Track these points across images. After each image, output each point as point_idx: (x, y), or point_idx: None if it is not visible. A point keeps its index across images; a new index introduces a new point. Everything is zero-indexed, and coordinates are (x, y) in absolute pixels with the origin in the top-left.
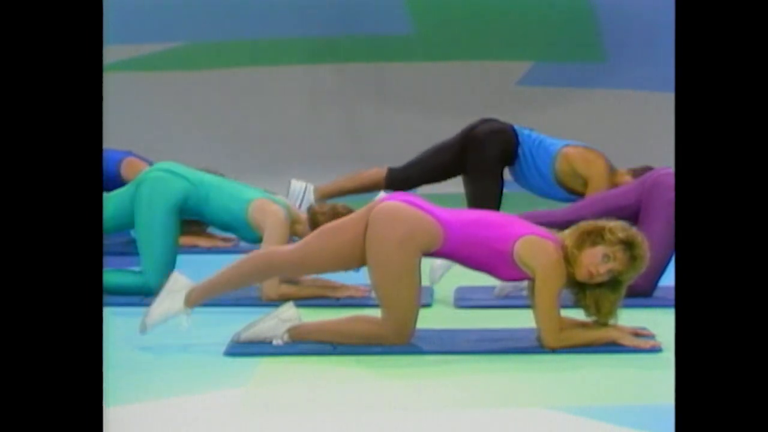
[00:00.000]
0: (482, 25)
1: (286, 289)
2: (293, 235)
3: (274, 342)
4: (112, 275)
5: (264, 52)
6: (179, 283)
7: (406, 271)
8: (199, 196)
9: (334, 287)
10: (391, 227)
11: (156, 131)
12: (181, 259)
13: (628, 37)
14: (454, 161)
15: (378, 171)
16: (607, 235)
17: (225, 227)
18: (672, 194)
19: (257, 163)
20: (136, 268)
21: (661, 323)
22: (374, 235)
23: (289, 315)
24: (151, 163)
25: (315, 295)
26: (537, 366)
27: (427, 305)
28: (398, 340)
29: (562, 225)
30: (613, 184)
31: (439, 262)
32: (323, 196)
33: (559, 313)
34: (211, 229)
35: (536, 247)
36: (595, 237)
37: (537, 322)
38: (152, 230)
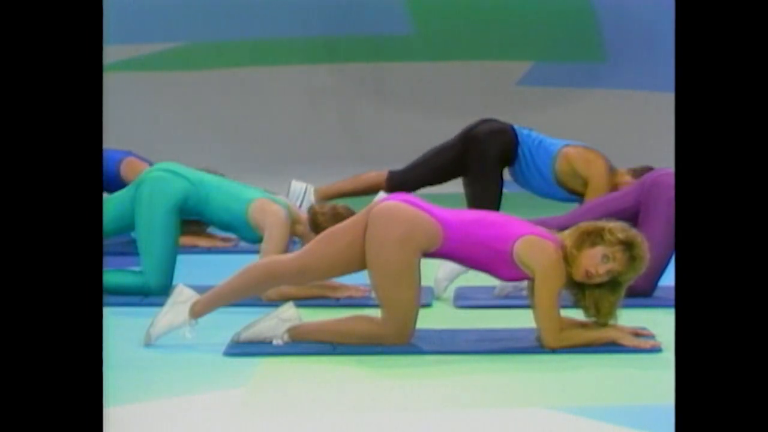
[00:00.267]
0: (482, 25)
1: (286, 289)
2: (294, 235)
3: (274, 342)
4: (112, 275)
5: (264, 52)
6: (183, 295)
7: (405, 270)
8: (199, 196)
9: (334, 287)
10: (391, 227)
11: (156, 131)
12: (181, 259)
13: (628, 37)
14: (454, 162)
15: (379, 174)
16: (607, 236)
17: (225, 227)
18: (672, 194)
19: (257, 163)
20: (136, 268)
21: (661, 323)
22: (374, 235)
23: (289, 315)
24: (151, 163)
25: (315, 295)
26: (537, 366)
27: (427, 305)
28: (398, 340)
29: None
30: (613, 184)
31: (442, 274)
32: (323, 198)
33: (558, 313)
34: (211, 229)
35: (536, 247)
36: (594, 237)
37: (537, 322)
38: (152, 230)
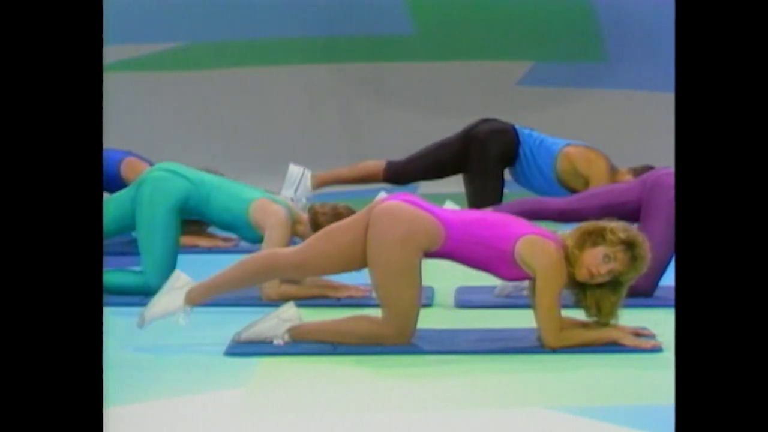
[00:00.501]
0: (482, 25)
1: (287, 289)
2: (294, 235)
3: (275, 342)
4: (112, 275)
5: (264, 52)
6: (180, 281)
7: (406, 270)
8: (200, 196)
9: (335, 287)
10: (392, 227)
11: (156, 131)
12: (182, 259)
13: (628, 37)
14: (453, 160)
15: (377, 163)
16: (608, 236)
17: (226, 227)
18: (672, 194)
19: (257, 163)
20: (136, 268)
21: (661, 323)
22: (375, 235)
23: (290, 315)
24: (151, 163)
25: (315, 295)
26: (537, 366)
27: (427, 305)
28: (399, 340)
29: (555, 214)
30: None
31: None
32: (319, 184)
33: (559, 313)
34: (211, 229)
35: (537, 246)
36: (596, 237)
37: (537, 321)
38: (153, 230)
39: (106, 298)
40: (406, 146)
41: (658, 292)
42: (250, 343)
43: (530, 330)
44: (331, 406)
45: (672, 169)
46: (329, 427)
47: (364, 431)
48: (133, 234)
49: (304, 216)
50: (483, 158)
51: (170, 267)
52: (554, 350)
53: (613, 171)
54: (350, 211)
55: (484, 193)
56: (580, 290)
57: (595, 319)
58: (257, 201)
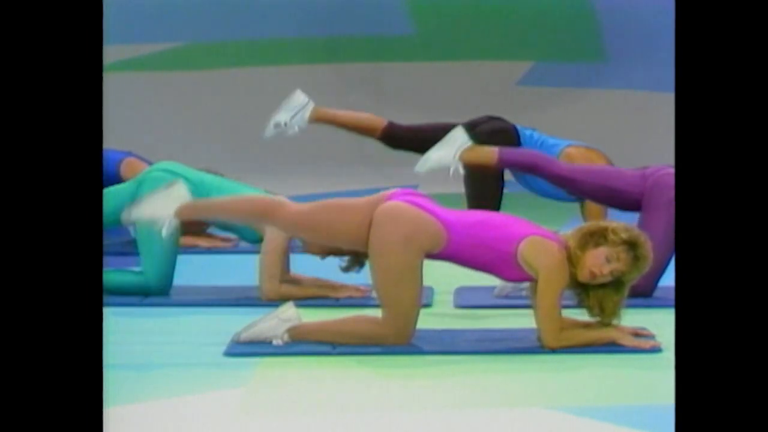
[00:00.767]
0: (482, 25)
1: (286, 289)
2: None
3: (274, 342)
4: (112, 275)
5: (264, 52)
6: (288, 313)
7: (408, 271)
8: (199, 196)
9: (335, 287)
10: (394, 228)
11: (156, 131)
12: (181, 259)
13: (628, 37)
14: None
15: (379, 120)
16: (610, 236)
17: (225, 227)
18: (672, 194)
19: (257, 163)
20: (136, 268)
21: (661, 323)
22: (377, 236)
23: (289, 315)
24: (151, 163)
25: (315, 295)
26: (537, 366)
27: (427, 305)
28: (399, 341)
29: (552, 177)
30: None
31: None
32: (318, 118)
33: (560, 314)
34: (211, 229)
35: (540, 247)
36: (598, 238)
37: (538, 322)
38: (153, 230)
39: (106, 298)
40: None
41: (657, 292)
42: (250, 343)
43: (530, 330)
44: (331, 406)
45: (672, 168)
46: (329, 427)
47: (364, 431)
48: (133, 234)
49: None
50: None
51: (170, 267)
52: (554, 350)
53: None
54: None
55: (484, 193)
56: (583, 290)
57: (597, 318)
58: None
